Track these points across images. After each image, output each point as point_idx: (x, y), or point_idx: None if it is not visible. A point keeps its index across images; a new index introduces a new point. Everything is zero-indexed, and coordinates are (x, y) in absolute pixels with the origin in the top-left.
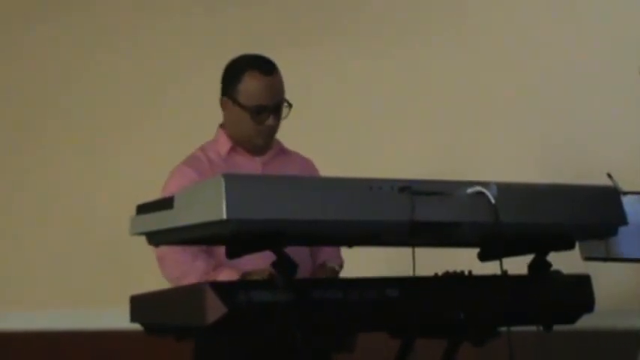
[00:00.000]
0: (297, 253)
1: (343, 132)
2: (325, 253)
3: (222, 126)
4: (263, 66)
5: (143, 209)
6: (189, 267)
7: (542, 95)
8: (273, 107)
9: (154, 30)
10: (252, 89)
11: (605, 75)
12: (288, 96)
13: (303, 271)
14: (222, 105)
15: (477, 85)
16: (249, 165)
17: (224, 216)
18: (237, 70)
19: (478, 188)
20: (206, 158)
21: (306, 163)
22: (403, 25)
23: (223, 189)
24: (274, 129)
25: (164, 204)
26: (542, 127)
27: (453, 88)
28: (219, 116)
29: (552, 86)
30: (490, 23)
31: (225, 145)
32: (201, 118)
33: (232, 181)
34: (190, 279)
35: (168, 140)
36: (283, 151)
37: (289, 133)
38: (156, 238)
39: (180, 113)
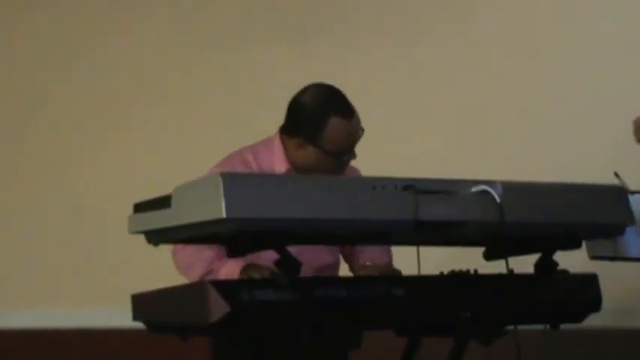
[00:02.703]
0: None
1: None
2: (368, 254)
3: (281, 135)
4: (346, 108)
5: (140, 208)
6: (197, 256)
7: (545, 95)
8: (355, 144)
9: (149, 23)
10: (339, 136)
11: (609, 75)
12: (289, 94)
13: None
14: (297, 144)
15: (481, 83)
16: None
17: (223, 215)
18: (318, 115)
19: (483, 187)
20: (258, 168)
21: (355, 174)
22: (406, 22)
23: (221, 187)
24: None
25: (161, 203)
26: (545, 127)
27: (457, 87)
28: (215, 110)
29: (555, 86)
30: (495, 23)
31: (282, 164)
32: (199, 113)
33: (230, 179)
34: (197, 268)
35: (167, 136)
36: None
37: None
38: (154, 236)
39: (177, 109)
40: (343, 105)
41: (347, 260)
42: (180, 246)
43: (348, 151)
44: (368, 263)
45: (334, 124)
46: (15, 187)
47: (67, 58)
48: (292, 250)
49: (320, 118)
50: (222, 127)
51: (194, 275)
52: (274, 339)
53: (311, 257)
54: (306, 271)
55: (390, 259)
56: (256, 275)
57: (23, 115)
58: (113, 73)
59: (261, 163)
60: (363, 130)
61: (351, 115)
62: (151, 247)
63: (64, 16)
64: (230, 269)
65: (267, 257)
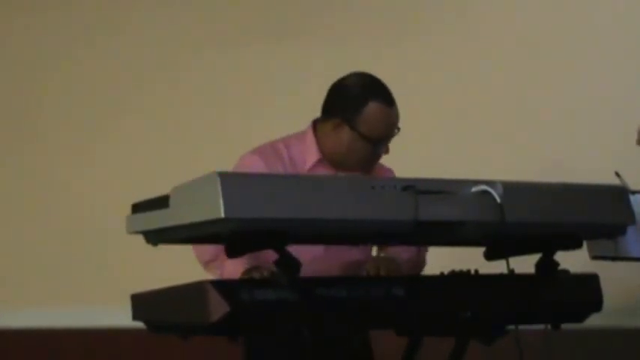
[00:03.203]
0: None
1: None
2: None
3: (314, 126)
4: (387, 96)
5: (138, 208)
6: (204, 250)
7: (545, 95)
8: (390, 136)
9: (146, 23)
10: (376, 121)
11: (610, 74)
12: (288, 93)
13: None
14: (332, 124)
15: (481, 83)
16: None
17: (222, 215)
18: (359, 97)
19: (483, 187)
20: (288, 157)
21: (389, 174)
22: (406, 22)
23: (219, 187)
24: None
25: (159, 203)
26: (545, 127)
27: (457, 87)
28: (214, 110)
29: (555, 86)
30: (493, 23)
31: (314, 154)
32: (198, 112)
33: (229, 179)
34: (207, 252)
35: (166, 136)
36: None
37: (293, 131)
38: (153, 236)
39: (174, 109)
40: (384, 92)
41: None
42: None
43: (382, 141)
44: (382, 254)
45: (373, 107)
46: (14, 187)
47: (65, 58)
48: (321, 246)
49: (360, 100)
50: (221, 126)
51: (201, 258)
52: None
53: (339, 253)
54: (332, 267)
55: (410, 256)
56: (256, 276)
57: (22, 115)
58: (112, 73)
59: (293, 153)
60: (399, 128)
61: (390, 104)
62: (150, 247)
63: (61, 17)
64: (234, 263)
65: (270, 257)
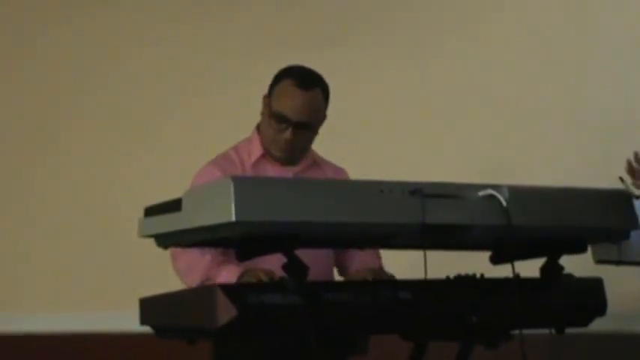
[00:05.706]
0: (313, 254)
1: (352, 134)
2: (359, 258)
3: (258, 127)
4: (302, 79)
5: (151, 211)
6: (196, 262)
7: (550, 100)
8: (295, 123)
9: (171, 35)
10: (282, 96)
11: (621, 76)
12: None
13: (319, 274)
14: (263, 100)
15: (485, 88)
16: (280, 175)
17: (233, 218)
18: (280, 74)
19: (490, 191)
20: (239, 160)
21: (340, 173)
22: (419, 29)
23: (232, 191)
24: (292, 144)
25: (172, 206)
26: (549, 128)
27: (461, 91)
28: (231, 120)
29: (561, 87)
30: (505, 29)
31: (257, 149)
32: (215, 122)
33: (241, 183)
34: (195, 274)
35: (177, 143)
36: (316, 163)
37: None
38: (164, 240)
39: (191, 117)
40: (304, 77)
41: (337, 266)
42: (179, 251)
43: (288, 123)
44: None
45: (285, 84)
46: (26, 192)
47: (90, 68)
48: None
49: (279, 76)
50: (236, 133)
51: (191, 281)
52: (279, 342)
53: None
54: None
55: (381, 263)
56: (252, 280)
57: (42, 123)
58: (136, 86)
59: (241, 153)
60: (315, 131)
61: (305, 87)
62: (159, 250)
63: (87, 28)
64: (228, 275)
65: (272, 262)
